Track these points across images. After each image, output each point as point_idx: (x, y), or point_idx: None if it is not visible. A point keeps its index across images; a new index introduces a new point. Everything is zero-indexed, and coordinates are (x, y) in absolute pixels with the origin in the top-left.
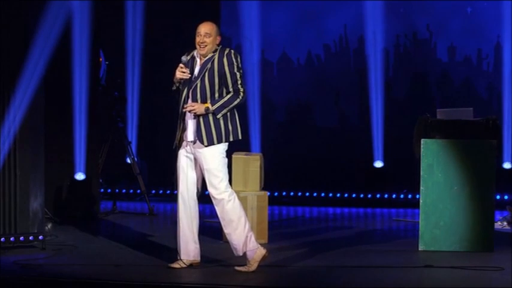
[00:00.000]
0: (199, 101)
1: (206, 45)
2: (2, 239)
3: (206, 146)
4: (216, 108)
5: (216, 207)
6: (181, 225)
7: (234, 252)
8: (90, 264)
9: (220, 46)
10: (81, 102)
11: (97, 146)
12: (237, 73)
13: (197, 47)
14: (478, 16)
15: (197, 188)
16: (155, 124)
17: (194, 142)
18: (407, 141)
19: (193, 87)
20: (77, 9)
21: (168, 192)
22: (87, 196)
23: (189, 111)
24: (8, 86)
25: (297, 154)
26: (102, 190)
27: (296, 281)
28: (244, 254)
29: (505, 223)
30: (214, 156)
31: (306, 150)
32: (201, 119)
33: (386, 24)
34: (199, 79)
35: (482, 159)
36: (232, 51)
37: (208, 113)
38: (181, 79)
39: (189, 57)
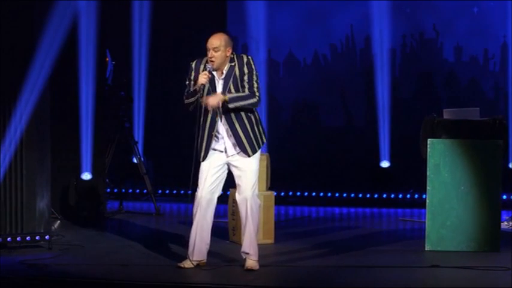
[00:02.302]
0: (230, 109)
1: (215, 61)
2: (9, 239)
3: (251, 157)
4: (230, 98)
5: (241, 208)
6: (199, 226)
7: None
8: (97, 264)
9: (235, 54)
10: (87, 102)
11: (103, 146)
12: (255, 77)
13: (209, 61)
14: (484, 16)
15: (218, 191)
16: (161, 124)
17: (232, 155)
18: (414, 141)
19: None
20: (84, 9)
21: (175, 192)
22: (93, 196)
23: (211, 107)
24: (14, 86)
25: (303, 154)
26: (108, 190)
27: (303, 281)
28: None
29: (511, 223)
30: (255, 159)
31: (313, 150)
32: (240, 132)
33: (392, 24)
34: (228, 89)
35: (489, 159)
36: (251, 58)
37: (224, 101)
38: (202, 84)
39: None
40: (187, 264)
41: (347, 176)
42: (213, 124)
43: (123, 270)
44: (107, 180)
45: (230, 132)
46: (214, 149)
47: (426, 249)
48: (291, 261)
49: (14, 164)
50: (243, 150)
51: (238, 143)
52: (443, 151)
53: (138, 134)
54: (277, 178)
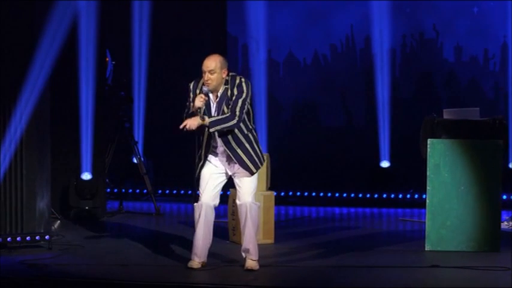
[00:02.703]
0: (227, 134)
1: (211, 83)
2: (9, 239)
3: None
4: (211, 122)
5: (241, 209)
6: (203, 232)
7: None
8: (97, 264)
9: (231, 76)
10: (87, 102)
11: (103, 146)
12: (240, 100)
13: (205, 83)
14: (484, 16)
15: (218, 197)
16: (161, 124)
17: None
18: (414, 141)
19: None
20: (84, 9)
21: (175, 192)
22: (93, 196)
23: (186, 129)
24: (14, 86)
25: (303, 154)
26: (108, 190)
27: (303, 281)
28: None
29: (511, 223)
30: (255, 176)
31: (312, 150)
32: (239, 151)
33: (392, 24)
34: (221, 111)
35: (489, 159)
36: (243, 80)
37: (204, 124)
38: (199, 108)
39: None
40: (195, 264)
41: (347, 176)
42: (209, 144)
43: (123, 270)
44: (107, 180)
45: (229, 153)
46: (216, 166)
47: (426, 249)
48: (291, 261)
49: (14, 164)
50: (247, 169)
51: (241, 164)
52: (443, 151)
53: (138, 134)
54: (277, 178)
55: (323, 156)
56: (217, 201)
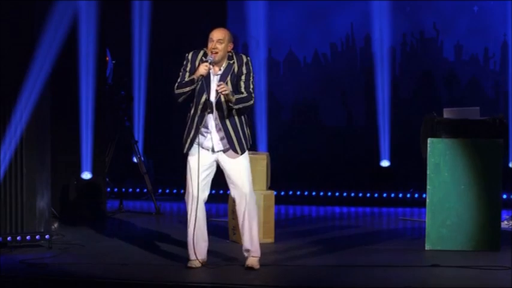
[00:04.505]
0: (224, 105)
1: (218, 52)
2: (9, 238)
3: (240, 155)
4: (237, 99)
5: (239, 206)
6: (196, 225)
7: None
8: (97, 263)
9: (234, 52)
10: (87, 101)
11: (104, 145)
12: (251, 80)
13: (208, 52)
14: (484, 15)
15: (208, 189)
16: (162, 123)
17: (223, 151)
18: (414, 140)
19: (217, 95)
20: (84, 9)
21: (175, 191)
22: (93, 195)
23: (222, 92)
24: (14, 85)
25: (303, 153)
26: (108, 189)
27: (303, 280)
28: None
29: (511, 222)
30: (245, 158)
31: (313, 150)
32: (230, 128)
33: (393, 23)
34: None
35: (489, 158)
36: (249, 59)
37: (230, 99)
38: (201, 75)
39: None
40: (195, 264)
41: (347, 175)
42: (202, 118)
43: (123, 270)
44: (107, 179)
45: (220, 127)
46: (202, 147)
47: (426, 248)
48: (291, 261)
49: (15, 163)
50: (232, 147)
51: (228, 139)
52: (444, 150)
53: (138, 133)
54: (277, 177)
55: (323, 155)
56: (207, 193)
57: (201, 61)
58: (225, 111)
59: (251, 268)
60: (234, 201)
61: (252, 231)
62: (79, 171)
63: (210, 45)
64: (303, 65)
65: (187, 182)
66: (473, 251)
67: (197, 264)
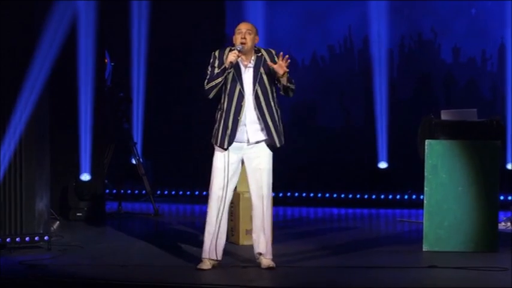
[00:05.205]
0: (261, 97)
1: (247, 42)
2: (8, 240)
3: (278, 148)
4: (290, 80)
5: (256, 207)
6: (221, 225)
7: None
8: (96, 265)
9: (258, 47)
10: (86, 103)
11: (103, 147)
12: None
13: (237, 43)
14: (482, 17)
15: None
16: (160, 125)
17: (256, 142)
18: (412, 141)
19: (254, 84)
20: (82, 11)
21: (174, 192)
22: (92, 197)
23: (278, 70)
24: (14, 87)
25: (301, 155)
26: (107, 191)
27: (301, 282)
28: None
29: (509, 223)
30: (271, 156)
31: (311, 151)
32: (269, 119)
33: (390, 25)
34: (259, 76)
35: (487, 160)
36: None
37: (282, 77)
38: (231, 62)
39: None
40: (205, 265)
41: (345, 177)
42: (239, 109)
43: (122, 271)
44: (106, 181)
45: (259, 116)
46: (236, 141)
47: (424, 249)
48: (289, 262)
49: (14, 164)
50: (270, 138)
51: (267, 130)
52: (441, 152)
53: (137, 134)
54: (275, 179)
55: (321, 157)
56: (232, 193)
57: (230, 51)
58: (262, 102)
59: (271, 268)
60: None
61: (268, 234)
62: (78, 172)
63: (238, 36)
64: (301, 66)
65: (213, 179)
66: (471, 252)
67: (208, 265)
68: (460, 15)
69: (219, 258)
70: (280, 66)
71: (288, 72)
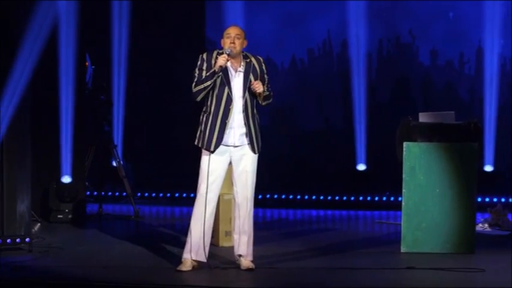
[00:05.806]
0: (249, 102)
1: (236, 47)
2: None
3: (255, 154)
4: (266, 95)
5: (240, 208)
6: (207, 226)
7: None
8: (77, 266)
9: (245, 53)
10: (67, 106)
11: (83, 149)
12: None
13: (225, 47)
14: (459, 21)
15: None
16: (141, 127)
17: (242, 145)
18: (390, 144)
19: (244, 89)
20: (63, 14)
21: (154, 195)
22: (73, 199)
23: (257, 88)
24: None
25: (281, 157)
26: (88, 193)
27: (279, 283)
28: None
29: (486, 225)
30: (256, 160)
31: (290, 154)
32: (252, 125)
33: (369, 28)
34: (249, 82)
35: (464, 162)
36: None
37: (264, 93)
38: (221, 66)
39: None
40: (185, 266)
41: (324, 179)
42: (227, 112)
43: (103, 272)
44: (87, 183)
45: (245, 121)
46: (223, 144)
47: (402, 251)
48: (268, 264)
49: None
50: (251, 144)
51: (249, 136)
52: (419, 154)
53: (118, 137)
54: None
55: (300, 159)
56: (218, 195)
57: (218, 55)
58: (249, 107)
59: (251, 269)
60: (235, 203)
61: (251, 236)
62: (59, 175)
63: (227, 41)
64: (280, 69)
65: (200, 182)
66: (448, 253)
67: (188, 266)
68: (437, 18)
69: (199, 258)
70: (256, 88)
71: (265, 87)
